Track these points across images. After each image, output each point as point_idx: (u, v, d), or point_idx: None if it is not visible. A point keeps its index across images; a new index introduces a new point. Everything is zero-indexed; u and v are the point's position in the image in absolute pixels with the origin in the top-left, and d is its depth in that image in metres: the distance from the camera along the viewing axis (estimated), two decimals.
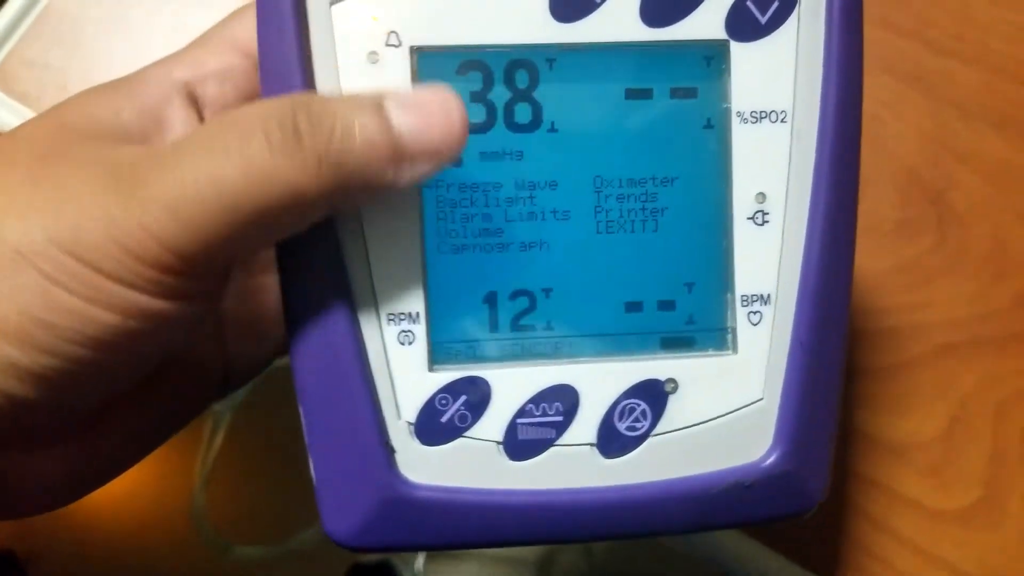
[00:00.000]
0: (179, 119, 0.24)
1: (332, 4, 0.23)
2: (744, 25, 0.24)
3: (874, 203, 0.39)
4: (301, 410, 0.23)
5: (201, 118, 0.25)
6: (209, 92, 0.25)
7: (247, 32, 0.25)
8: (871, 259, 0.38)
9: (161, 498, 0.32)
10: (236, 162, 0.19)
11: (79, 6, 0.38)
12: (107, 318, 0.20)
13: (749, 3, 0.24)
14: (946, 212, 0.39)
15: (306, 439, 0.23)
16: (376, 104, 0.21)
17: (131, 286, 0.20)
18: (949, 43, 0.41)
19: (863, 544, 0.35)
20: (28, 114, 0.37)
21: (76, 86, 0.37)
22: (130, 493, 0.32)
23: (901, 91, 0.40)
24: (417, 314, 0.24)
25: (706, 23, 0.24)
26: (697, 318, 0.25)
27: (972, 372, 0.37)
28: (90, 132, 0.22)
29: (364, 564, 0.29)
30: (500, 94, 0.24)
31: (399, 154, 0.21)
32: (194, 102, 0.25)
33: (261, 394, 0.31)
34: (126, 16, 0.39)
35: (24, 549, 0.31)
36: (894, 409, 0.36)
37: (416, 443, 0.24)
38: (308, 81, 0.23)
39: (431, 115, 0.21)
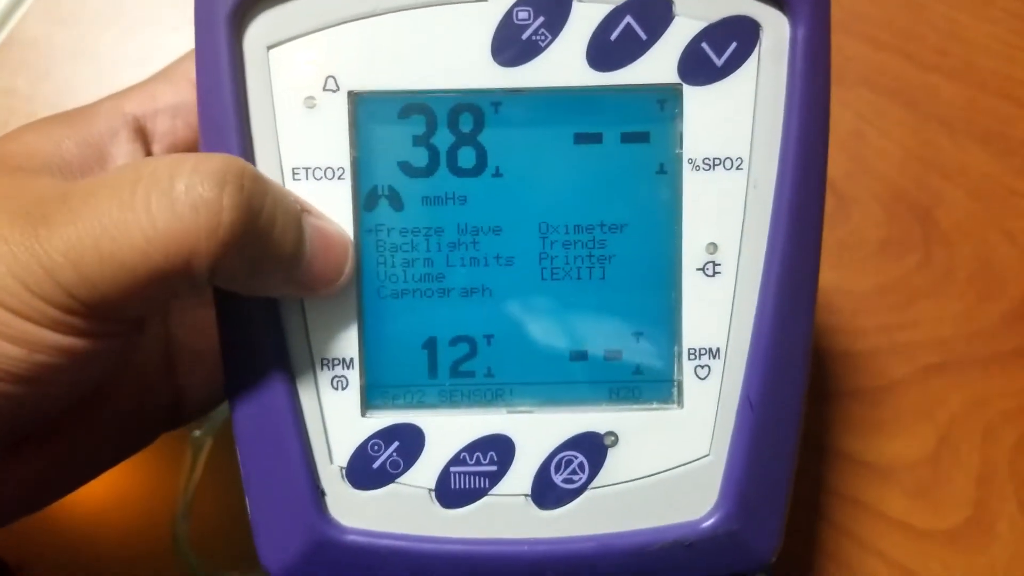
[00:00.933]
0: (123, 153, 0.24)
1: (269, 48, 0.22)
2: (698, 68, 0.23)
3: (858, 221, 0.38)
4: (237, 449, 0.24)
5: (149, 152, 0.25)
6: (159, 127, 0.25)
7: None
8: (856, 278, 0.37)
9: (143, 526, 0.33)
10: (141, 222, 0.19)
11: (46, 33, 0.39)
12: (15, 352, 0.19)
13: (704, 44, 0.23)
14: (931, 230, 0.37)
15: (243, 477, 0.24)
16: (298, 216, 0.21)
17: (37, 323, 0.19)
18: (933, 58, 0.39)
19: (851, 565, 0.34)
20: None
21: (43, 113, 0.37)
22: (112, 522, 0.33)
23: (884, 107, 0.38)
24: (351, 360, 0.23)
25: (657, 66, 0.23)
26: (644, 369, 0.24)
27: (959, 393, 0.36)
28: (24, 163, 0.22)
29: None
30: (444, 138, 0.23)
31: (294, 270, 0.21)
32: (143, 136, 0.25)
33: None
34: (94, 43, 0.39)
35: (15, 557, 0.32)
36: (880, 430, 0.36)
37: (348, 487, 0.23)
38: (244, 125, 0.22)
39: (331, 250, 0.22)
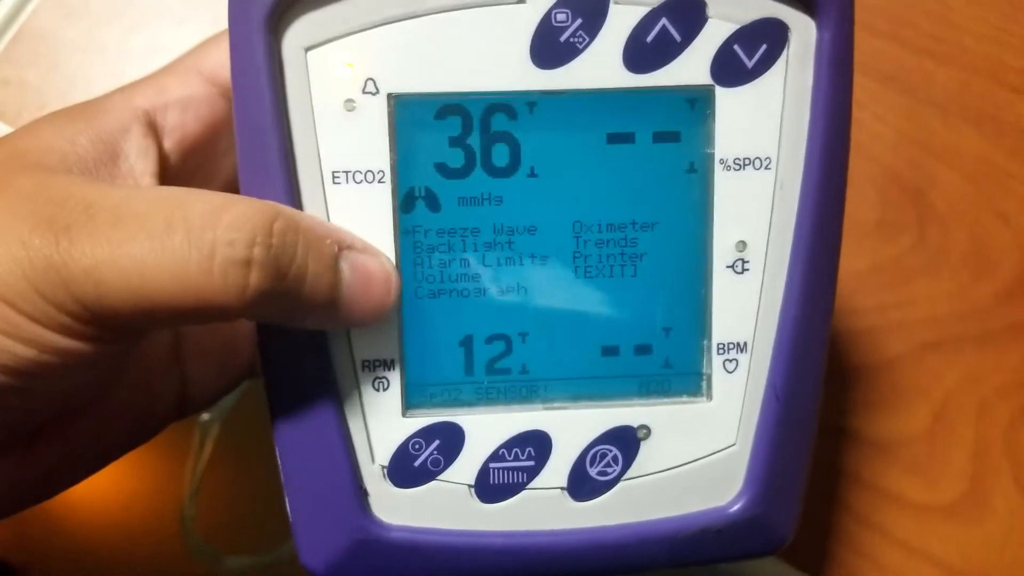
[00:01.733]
0: (135, 148, 0.24)
1: (307, 50, 0.22)
2: (730, 70, 0.23)
3: (854, 203, 0.38)
4: (277, 450, 0.24)
5: (160, 146, 0.24)
6: (170, 120, 0.25)
7: (213, 60, 0.25)
8: (852, 259, 0.38)
9: (151, 509, 0.32)
10: (170, 265, 0.19)
11: (56, 26, 0.38)
12: (23, 351, 0.20)
13: (736, 47, 0.23)
14: (926, 211, 0.38)
15: (282, 478, 0.24)
16: (334, 259, 0.21)
17: (47, 327, 0.19)
18: (926, 43, 0.40)
19: (849, 540, 0.35)
20: (4, 130, 0.36)
21: (54, 105, 0.36)
22: (121, 505, 0.32)
23: (879, 92, 0.39)
24: (392, 361, 0.23)
25: (691, 68, 0.23)
26: (674, 363, 0.25)
27: (954, 370, 0.37)
28: (42, 161, 0.22)
29: None
30: (479, 139, 0.23)
31: (331, 312, 0.22)
32: (154, 130, 0.24)
33: (250, 404, 0.31)
34: (103, 36, 0.38)
35: (18, 557, 0.31)
36: (877, 407, 0.36)
37: (389, 486, 0.24)
38: (283, 129, 0.22)
39: (372, 288, 0.22)
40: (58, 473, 0.24)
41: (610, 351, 0.25)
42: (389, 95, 0.22)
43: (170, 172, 0.25)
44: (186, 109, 0.25)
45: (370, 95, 0.22)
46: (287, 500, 0.24)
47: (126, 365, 0.25)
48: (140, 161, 0.24)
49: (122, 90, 0.25)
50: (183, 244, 0.19)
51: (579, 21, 0.23)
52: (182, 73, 0.25)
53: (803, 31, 0.23)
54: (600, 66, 0.23)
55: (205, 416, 0.33)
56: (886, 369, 0.37)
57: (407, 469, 0.24)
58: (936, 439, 0.36)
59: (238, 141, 0.22)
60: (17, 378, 0.20)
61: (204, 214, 0.20)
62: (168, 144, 0.25)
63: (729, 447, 0.24)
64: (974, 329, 0.37)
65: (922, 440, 0.36)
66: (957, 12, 0.40)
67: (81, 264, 0.19)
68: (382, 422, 0.24)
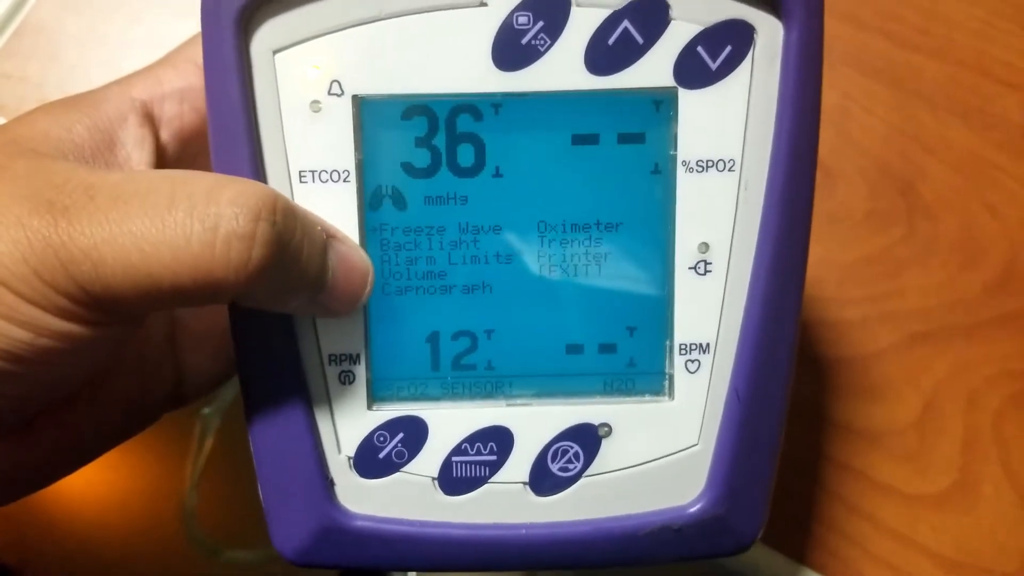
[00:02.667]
0: (132, 137, 0.24)
1: (275, 53, 0.23)
2: (693, 71, 0.23)
3: (844, 195, 0.38)
4: (250, 439, 0.24)
5: (157, 136, 0.25)
6: (167, 111, 0.25)
7: None
8: (842, 250, 0.38)
9: (151, 503, 0.33)
10: (171, 240, 0.19)
11: (57, 20, 0.39)
12: (20, 335, 0.19)
13: (699, 48, 0.23)
14: (915, 203, 0.38)
15: (256, 467, 0.24)
16: (324, 244, 0.22)
17: (44, 309, 0.19)
18: (915, 37, 0.40)
19: (840, 528, 0.35)
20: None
21: (54, 96, 0.37)
22: (121, 499, 0.33)
23: (868, 85, 0.39)
24: (357, 355, 0.24)
25: (653, 70, 0.23)
26: (638, 362, 0.25)
27: (943, 360, 0.37)
28: (39, 147, 0.22)
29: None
30: (445, 139, 0.24)
31: (316, 296, 0.22)
32: (151, 120, 0.25)
33: None
34: (103, 30, 0.39)
35: (15, 556, 0.32)
36: (867, 397, 0.36)
37: (355, 476, 0.24)
38: (252, 128, 0.23)
39: (353, 277, 0.23)
40: (54, 460, 0.25)
41: (575, 349, 0.25)
42: (354, 96, 0.23)
43: (166, 162, 0.25)
44: (183, 100, 0.25)
45: (335, 96, 0.23)
46: (259, 487, 0.25)
47: (123, 351, 0.25)
48: (136, 150, 0.24)
49: (119, 82, 0.25)
50: (185, 219, 0.19)
51: (540, 24, 0.23)
52: (178, 64, 0.25)
53: (769, 32, 0.23)
54: (562, 68, 0.23)
55: (206, 409, 0.33)
56: (876, 359, 0.37)
57: (372, 460, 0.24)
58: (926, 429, 0.36)
59: (211, 139, 0.23)
60: (14, 362, 0.20)
61: (207, 190, 0.20)
62: (165, 134, 0.25)
63: (691, 447, 0.24)
64: (963, 319, 0.37)
65: (912, 430, 0.36)
66: (945, 6, 0.40)
67: (80, 244, 0.19)
68: (348, 414, 0.24)
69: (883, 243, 0.38)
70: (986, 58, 0.39)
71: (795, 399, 0.36)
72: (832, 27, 0.39)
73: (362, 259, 0.23)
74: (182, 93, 0.25)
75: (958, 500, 0.35)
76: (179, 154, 0.26)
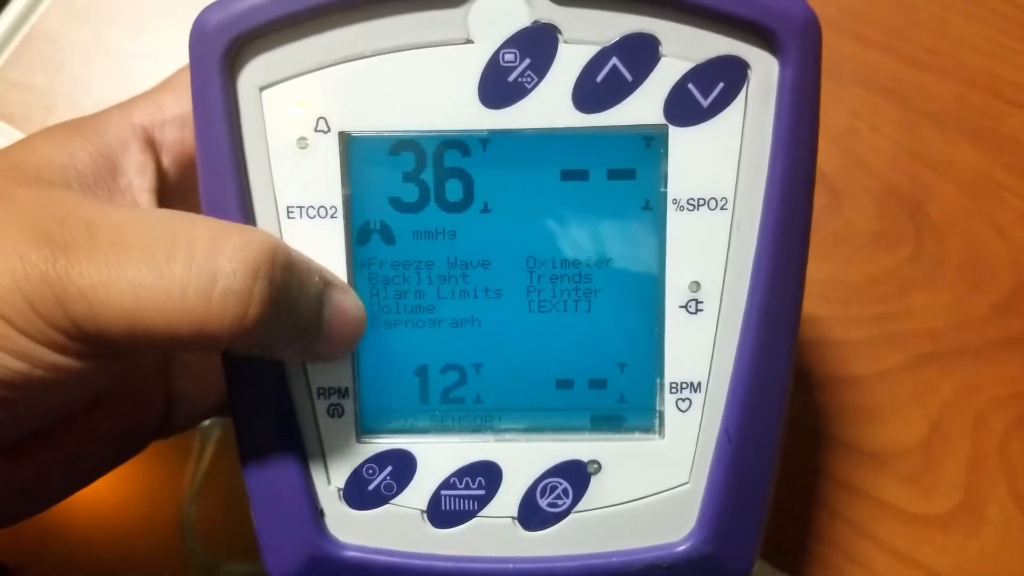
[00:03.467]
0: (134, 164, 0.24)
1: (262, 90, 0.22)
2: (684, 109, 0.22)
3: (851, 215, 0.37)
4: (243, 471, 0.24)
5: (159, 162, 0.25)
6: (168, 136, 0.25)
7: None
8: (849, 270, 0.37)
9: (149, 514, 0.33)
10: (168, 291, 0.19)
11: (63, 30, 0.39)
12: (13, 364, 0.20)
13: (690, 85, 0.22)
14: (922, 223, 0.37)
15: (248, 496, 0.24)
16: (319, 296, 0.22)
17: (37, 341, 0.19)
18: (924, 57, 0.39)
19: (843, 549, 0.35)
20: (12, 133, 0.38)
21: (61, 107, 0.38)
22: (118, 509, 0.33)
23: (876, 104, 0.38)
24: (346, 389, 0.24)
25: (643, 108, 0.22)
26: (628, 398, 0.24)
27: (950, 381, 0.36)
28: (41, 174, 0.22)
29: None
30: (432, 174, 0.23)
31: (310, 347, 0.22)
32: (152, 146, 0.25)
33: None
34: (109, 40, 0.39)
35: (13, 559, 0.33)
36: (874, 417, 0.36)
37: (345, 507, 0.24)
38: (240, 165, 0.22)
39: (347, 325, 0.22)
40: (43, 485, 0.24)
41: (564, 384, 0.24)
42: (340, 133, 0.23)
43: (168, 188, 0.25)
44: (184, 126, 0.25)
45: (322, 133, 0.23)
46: (252, 515, 0.25)
47: (116, 379, 0.25)
48: (138, 177, 0.24)
49: (120, 107, 0.25)
50: (183, 271, 0.19)
51: (527, 61, 0.22)
52: (178, 89, 0.25)
53: (764, 69, 0.22)
54: (549, 106, 0.22)
55: (205, 422, 0.33)
56: (883, 380, 0.36)
57: (361, 492, 0.24)
58: (932, 450, 0.35)
59: (200, 174, 0.23)
60: (7, 389, 0.20)
61: (208, 241, 0.20)
62: (166, 160, 0.25)
63: (682, 485, 0.24)
64: (970, 341, 0.36)
65: (918, 450, 0.35)
66: (954, 26, 0.39)
67: (77, 283, 0.19)
68: (337, 447, 0.24)
69: (890, 263, 0.37)
70: (995, 78, 0.39)
71: (800, 418, 0.36)
72: (841, 46, 0.39)
73: (356, 307, 0.23)
74: (183, 119, 0.25)
75: (963, 522, 0.35)
76: (180, 179, 0.26)
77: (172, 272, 0.19)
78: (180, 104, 0.25)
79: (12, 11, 0.38)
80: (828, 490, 0.35)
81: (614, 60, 0.22)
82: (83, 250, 0.19)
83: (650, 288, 0.24)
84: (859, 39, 0.39)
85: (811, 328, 0.36)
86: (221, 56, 0.22)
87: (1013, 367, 0.36)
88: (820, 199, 0.37)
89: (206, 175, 0.23)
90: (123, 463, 0.26)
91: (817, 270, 0.37)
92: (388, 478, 0.24)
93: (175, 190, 0.26)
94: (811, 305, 0.36)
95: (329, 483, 0.24)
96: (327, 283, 0.22)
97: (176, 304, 0.19)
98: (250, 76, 0.22)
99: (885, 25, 0.39)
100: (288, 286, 0.20)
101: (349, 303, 0.23)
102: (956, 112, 0.38)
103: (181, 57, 0.26)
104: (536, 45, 0.22)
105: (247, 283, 0.19)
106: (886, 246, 0.37)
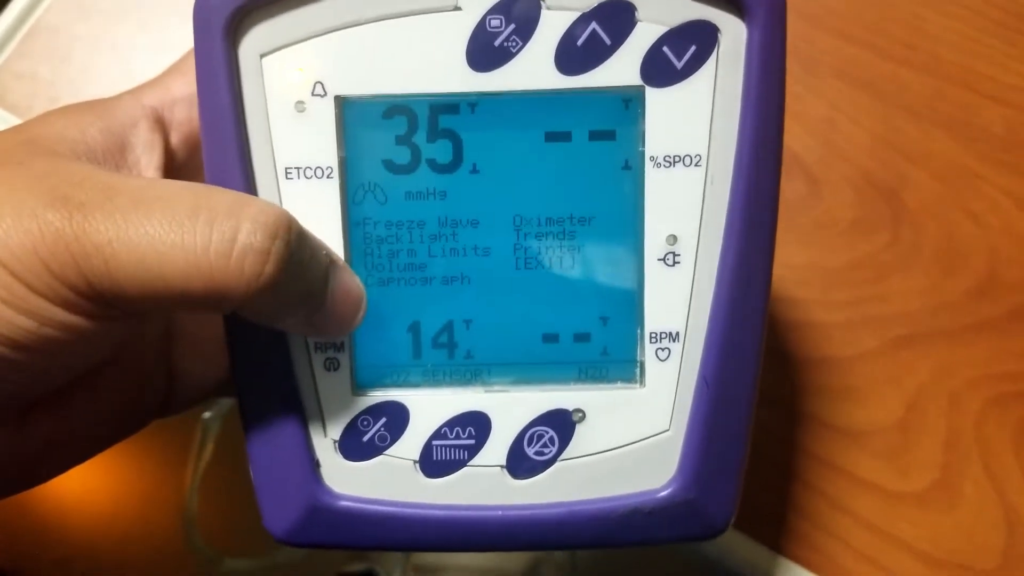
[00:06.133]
0: (143, 142, 0.24)
1: (262, 56, 0.23)
2: (659, 70, 0.23)
3: (831, 202, 0.38)
4: (243, 424, 0.25)
5: (167, 141, 0.25)
6: (176, 116, 0.25)
7: None
8: (829, 255, 0.38)
9: (150, 509, 0.33)
10: (188, 246, 0.19)
11: (68, 23, 0.39)
12: (25, 323, 0.20)
13: (665, 48, 0.23)
14: (899, 210, 0.38)
15: (247, 450, 0.25)
16: (327, 269, 0.22)
17: (49, 300, 0.19)
18: (902, 51, 0.40)
19: (822, 524, 0.35)
20: (16, 123, 0.38)
21: (65, 98, 0.38)
22: (120, 505, 0.33)
23: (855, 96, 0.39)
24: (341, 343, 0.24)
25: (621, 70, 0.23)
26: (611, 350, 0.25)
27: (926, 363, 0.36)
28: (55, 147, 0.22)
29: (348, 573, 0.30)
30: (424, 137, 0.24)
31: (312, 317, 0.22)
32: (161, 125, 0.25)
33: None
34: (113, 33, 0.39)
35: (9, 562, 0.32)
36: (852, 398, 0.36)
37: (340, 458, 0.25)
38: (241, 128, 0.23)
39: (349, 303, 0.23)
40: (48, 454, 0.24)
41: (551, 338, 0.25)
42: (336, 97, 0.23)
43: (176, 166, 0.26)
44: (192, 106, 0.25)
45: (319, 97, 0.23)
46: (251, 469, 0.25)
47: (121, 347, 0.25)
48: (147, 154, 0.24)
49: (131, 91, 0.26)
50: (205, 228, 0.20)
51: (512, 27, 0.23)
52: (186, 72, 0.26)
53: (733, 32, 0.23)
54: (533, 69, 0.23)
55: (207, 414, 0.33)
56: (861, 361, 0.36)
57: (356, 444, 0.25)
58: (909, 429, 0.36)
59: (203, 138, 0.23)
60: (17, 349, 0.20)
61: (228, 204, 0.20)
62: (174, 139, 0.25)
63: (662, 432, 0.24)
64: (945, 324, 0.37)
65: (895, 430, 0.36)
66: (931, 23, 0.40)
67: (93, 240, 0.19)
68: (333, 400, 0.24)
69: (868, 249, 0.38)
70: (970, 73, 0.40)
71: (781, 398, 0.37)
72: (821, 41, 0.40)
73: (358, 287, 0.24)
74: (191, 99, 0.25)
75: (939, 498, 0.35)
76: (188, 158, 0.26)
77: (193, 229, 0.19)
78: (188, 85, 0.25)
79: (18, 4, 0.39)
80: (808, 467, 0.36)
81: (593, 25, 0.23)
82: (100, 209, 0.19)
83: (630, 243, 0.24)
84: (838, 34, 0.40)
85: (792, 311, 0.37)
86: (224, 26, 0.23)
87: (987, 349, 0.36)
88: (800, 187, 0.38)
89: (208, 138, 0.23)
90: (124, 439, 0.26)
91: (797, 256, 0.37)
92: (382, 429, 0.25)
93: (183, 169, 0.26)
94: (792, 289, 0.37)
95: (325, 435, 0.25)
96: (332, 260, 0.23)
97: (196, 259, 0.19)
98: (251, 44, 0.23)
99: (864, 21, 0.40)
100: (301, 252, 0.21)
101: (352, 282, 0.23)
102: (932, 105, 0.39)
103: (183, 50, 0.26)
104: (521, 11, 0.23)
105: (266, 242, 0.20)
106: (864, 233, 0.38)
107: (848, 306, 0.37)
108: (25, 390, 0.22)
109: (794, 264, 0.37)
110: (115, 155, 0.24)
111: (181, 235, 0.19)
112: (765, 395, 0.36)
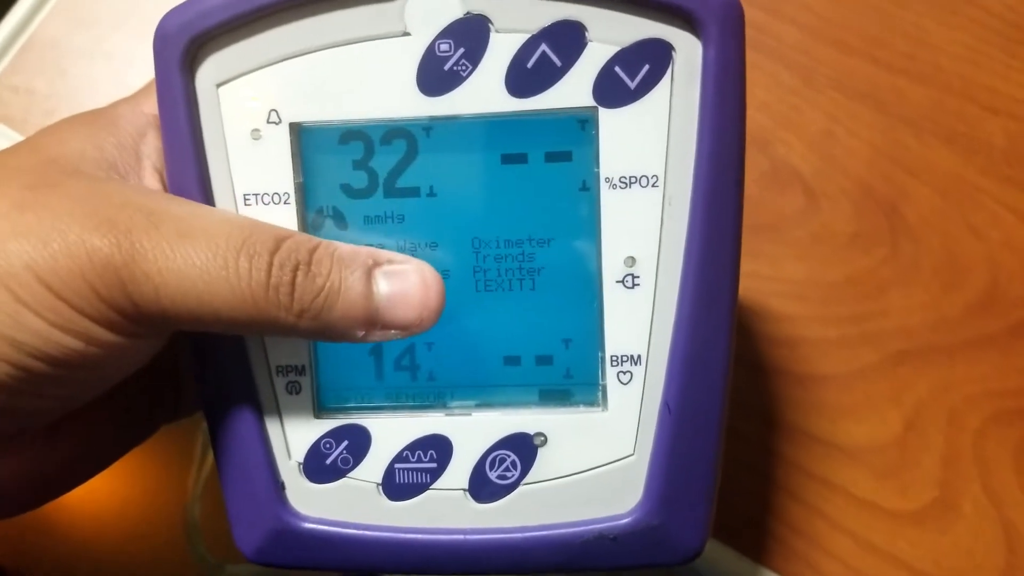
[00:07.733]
0: (155, 150, 0.24)
1: (219, 86, 0.23)
2: (612, 91, 0.22)
3: (829, 216, 0.37)
4: (212, 447, 0.25)
5: None
6: None
7: None
8: (827, 270, 0.36)
9: (153, 515, 0.33)
10: (234, 279, 0.20)
11: (64, 35, 0.39)
12: (67, 342, 0.20)
13: (617, 68, 0.22)
14: (898, 224, 0.36)
15: (218, 472, 0.25)
16: (367, 269, 0.22)
17: (95, 321, 0.20)
18: (901, 62, 0.38)
19: (821, 543, 0.34)
20: (12, 135, 0.38)
21: (62, 111, 0.38)
22: (122, 510, 0.34)
23: (854, 108, 0.38)
24: (303, 367, 0.24)
25: (573, 91, 0.22)
26: (574, 373, 0.24)
27: (925, 379, 0.35)
28: (79, 167, 0.23)
29: None
30: (381, 162, 0.24)
31: (373, 321, 0.22)
32: None
33: None
34: (109, 46, 0.39)
35: (13, 566, 0.33)
36: (850, 415, 0.35)
37: (305, 481, 0.24)
38: (200, 156, 0.23)
39: (410, 293, 0.22)
40: (74, 466, 0.25)
41: (512, 360, 0.24)
42: (290, 124, 0.23)
43: None
44: None
45: (273, 124, 0.23)
46: (223, 490, 0.25)
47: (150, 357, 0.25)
48: (159, 162, 0.24)
49: (126, 100, 0.26)
50: (245, 263, 0.21)
51: (461, 50, 0.23)
52: None
53: (688, 50, 0.22)
54: (484, 92, 0.23)
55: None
56: (859, 377, 0.35)
57: (320, 466, 0.24)
58: (907, 447, 0.34)
59: (166, 164, 0.23)
60: (60, 368, 0.21)
61: (265, 238, 0.21)
62: None
63: (627, 457, 0.24)
64: (945, 340, 0.35)
65: (893, 447, 0.34)
66: (931, 33, 0.38)
67: (143, 267, 0.20)
68: (296, 423, 0.24)
69: (867, 264, 0.36)
70: (971, 84, 0.38)
71: (778, 415, 0.35)
72: (819, 52, 0.39)
73: (420, 275, 0.23)
74: None
75: (938, 517, 0.33)
76: None
77: (236, 263, 0.20)
78: None
79: (14, 17, 0.39)
80: (805, 486, 0.34)
81: (543, 47, 0.22)
82: (147, 236, 0.20)
83: (589, 265, 0.24)
84: (837, 45, 0.39)
85: (789, 327, 0.36)
86: (180, 57, 0.23)
87: (987, 365, 0.35)
88: (798, 200, 0.37)
89: (171, 164, 0.23)
90: (137, 445, 0.26)
91: (795, 270, 0.36)
92: (344, 452, 0.24)
93: None
94: (789, 304, 0.36)
95: (290, 457, 0.24)
96: (377, 262, 0.22)
97: (240, 292, 0.20)
98: (207, 73, 0.23)
99: (862, 32, 0.39)
100: (338, 280, 0.22)
101: (411, 274, 0.23)
102: (932, 117, 0.38)
103: None
104: (469, 35, 0.22)
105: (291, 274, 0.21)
106: (863, 247, 0.36)
107: (846, 321, 0.35)
108: (62, 404, 0.23)
109: (792, 278, 0.36)
110: (134, 167, 0.24)
111: (226, 270, 0.20)
112: (760, 412, 0.35)
